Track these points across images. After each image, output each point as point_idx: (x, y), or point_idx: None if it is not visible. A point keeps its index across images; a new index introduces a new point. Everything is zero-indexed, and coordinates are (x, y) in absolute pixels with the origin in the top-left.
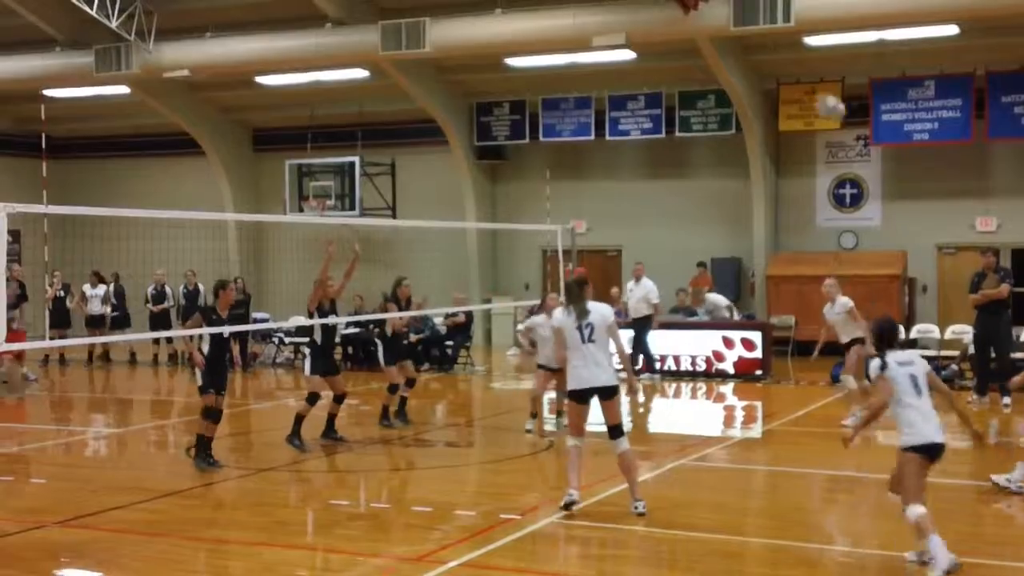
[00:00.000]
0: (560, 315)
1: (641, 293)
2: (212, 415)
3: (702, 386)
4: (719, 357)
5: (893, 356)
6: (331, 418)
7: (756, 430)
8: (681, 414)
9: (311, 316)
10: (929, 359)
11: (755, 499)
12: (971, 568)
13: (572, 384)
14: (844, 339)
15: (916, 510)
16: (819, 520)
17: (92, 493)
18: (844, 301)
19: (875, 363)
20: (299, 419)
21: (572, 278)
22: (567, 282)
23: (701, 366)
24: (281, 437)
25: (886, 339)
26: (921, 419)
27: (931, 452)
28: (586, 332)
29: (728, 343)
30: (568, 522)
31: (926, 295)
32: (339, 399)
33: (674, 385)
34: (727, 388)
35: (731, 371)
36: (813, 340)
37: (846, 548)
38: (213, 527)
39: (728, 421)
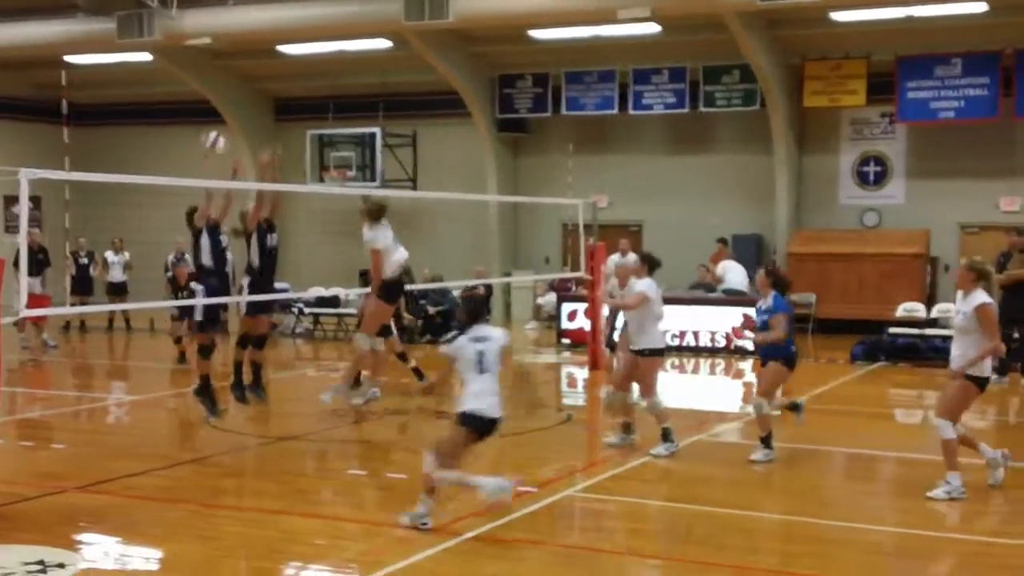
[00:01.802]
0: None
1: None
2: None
3: (721, 362)
4: (738, 334)
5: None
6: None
7: (775, 407)
8: (699, 390)
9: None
10: (950, 338)
11: (772, 475)
12: (993, 547)
13: None
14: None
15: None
16: (835, 497)
17: (111, 459)
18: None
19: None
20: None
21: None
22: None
23: (720, 342)
24: (300, 407)
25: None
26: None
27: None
28: None
29: (748, 319)
30: (585, 495)
31: (948, 274)
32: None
33: (693, 361)
34: (746, 365)
35: (750, 348)
36: (834, 318)
37: (862, 525)
38: (231, 495)
39: (747, 397)
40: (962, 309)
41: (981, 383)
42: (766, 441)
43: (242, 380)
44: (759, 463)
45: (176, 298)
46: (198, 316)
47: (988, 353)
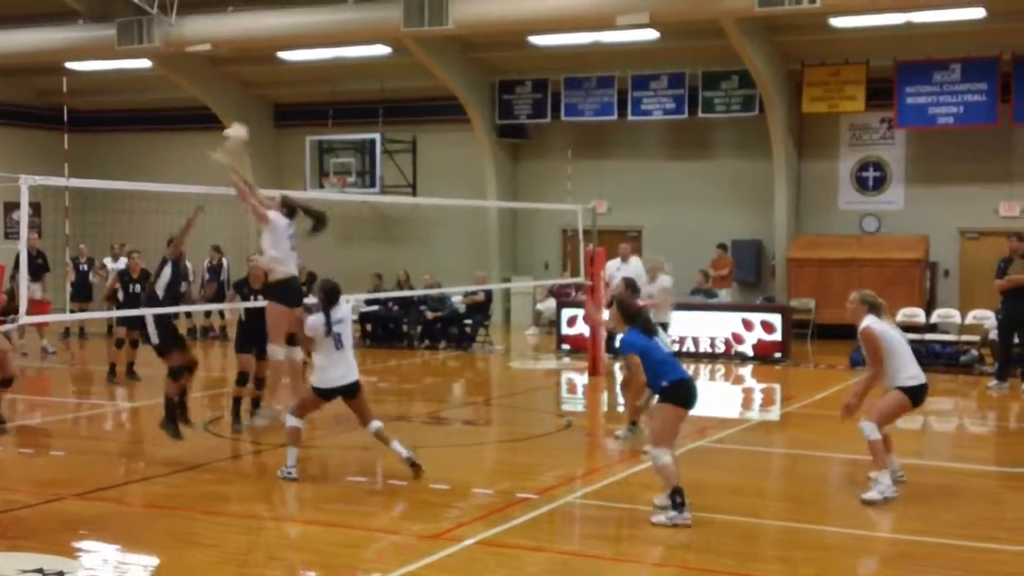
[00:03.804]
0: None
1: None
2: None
3: (721, 368)
4: (738, 339)
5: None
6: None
7: (775, 413)
8: (700, 396)
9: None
10: (949, 344)
11: (772, 481)
12: (992, 553)
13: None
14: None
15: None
16: (836, 503)
17: (110, 466)
18: (664, 281)
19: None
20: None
21: (328, 285)
22: (324, 286)
23: (720, 348)
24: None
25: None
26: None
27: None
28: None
29: (748, 325)
30: (585, 502)
31: (948, 280)
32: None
33: (693, 366)
34: (746, 370)
35: (750, 353)
36: (833, 323)
37: (863, 532)
38: (231, 502)
39: (747, 403)
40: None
41: (913, 393)
42: (675, 499)
43: (238, 412)
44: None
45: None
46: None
47: (872, 381)
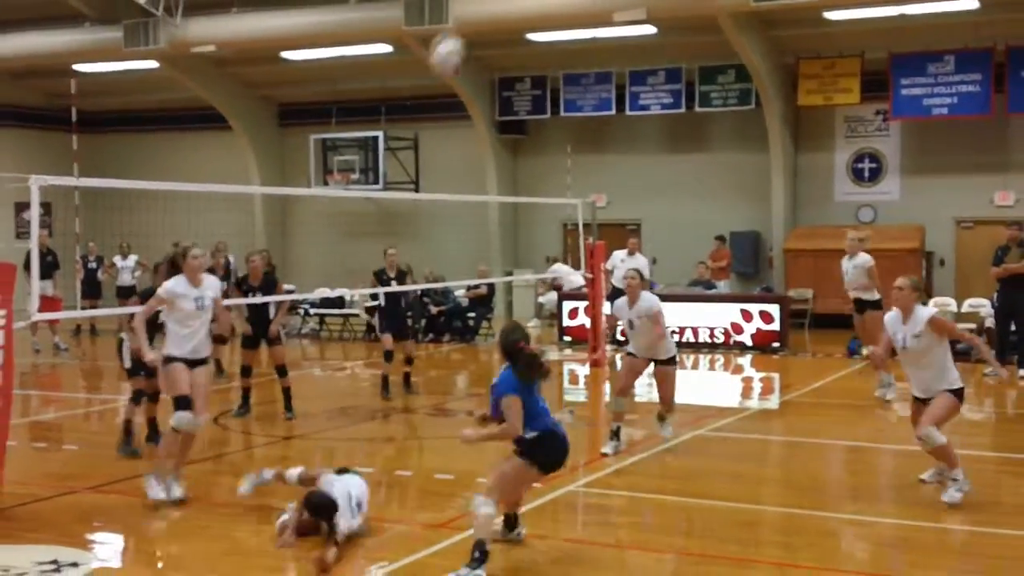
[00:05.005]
0: None
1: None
2: (139, 398)
3: (720, 358)
4: (737, 329)
5: None
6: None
7: (773, 401)
8: (699, 385)
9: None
10: None
11: (771, 469)
12: (990, 537)
13: None
14: (863, 296)
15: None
16: (835, 490)
17: (122, 460)
18: (866, 258)
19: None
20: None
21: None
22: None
23: (719, 338)
24: (307, 407)
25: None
26: None
27: None
28: None
29: (746, 315)
30: (588, 490)
31: (944, 269)
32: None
33: (692, 356)
34: (745, 360)
35: (749, 343)
36: (830, 313)
37: (861, 517)
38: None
39: (746, 392)
40: (911, 331)
41: (961, 395)
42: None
43: (248, 400)
44: None
45: None
46: None
47: (986, 349)
